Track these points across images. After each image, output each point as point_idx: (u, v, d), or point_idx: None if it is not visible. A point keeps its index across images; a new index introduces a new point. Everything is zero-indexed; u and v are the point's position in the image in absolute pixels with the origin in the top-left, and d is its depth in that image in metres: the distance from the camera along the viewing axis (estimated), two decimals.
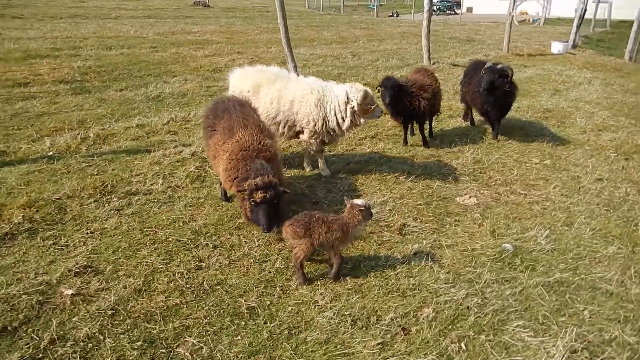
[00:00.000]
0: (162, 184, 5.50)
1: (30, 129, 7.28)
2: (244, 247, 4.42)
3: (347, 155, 6.91)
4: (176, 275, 3.97)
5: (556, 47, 18.69)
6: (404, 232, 4.86)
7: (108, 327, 3.35)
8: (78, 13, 29.38)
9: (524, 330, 3.54)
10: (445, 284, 4.04)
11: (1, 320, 3.32)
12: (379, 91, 6.78)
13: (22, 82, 10.42)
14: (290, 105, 5.57)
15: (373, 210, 4.84)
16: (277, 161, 4.45)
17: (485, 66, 7.12)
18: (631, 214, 5.36)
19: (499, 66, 7.04)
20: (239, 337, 3.38)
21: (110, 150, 6.54)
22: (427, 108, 6.78)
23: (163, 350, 3.22)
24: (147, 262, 4.11)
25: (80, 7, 33.75)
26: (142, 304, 3.61)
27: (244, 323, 3.52)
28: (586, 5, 20.05)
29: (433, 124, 7.99)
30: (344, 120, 5.46)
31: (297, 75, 6.01)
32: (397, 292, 3.93)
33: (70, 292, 3.63)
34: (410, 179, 6.03)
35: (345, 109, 5.41)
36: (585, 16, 20.91)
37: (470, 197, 5.74)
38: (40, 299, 3.56)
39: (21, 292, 3.59)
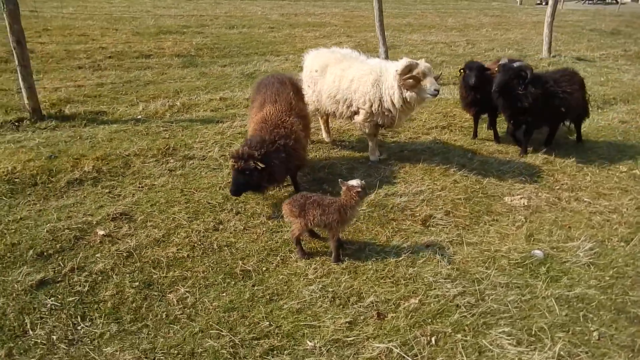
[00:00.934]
0: (218, 152, 5.99)
1: (134, 95, 8.32)
2: (263, 216, 4.69)
3: (407, 143, 6.79)
4: (194, 232, 4.39)
5: None
6: (428, 223, 4.74)
7: (119, 266, 3.88)
8: None
9: (507, 338, 3.32)
10: (444, 279, 3.91)
11: (42, 246, 4.02)
12: (461, 74, 6.52)
13: (146, 54, 11.81)
14: (349, 84, 5.65)
15: (402, 200, 4.84)
16: (294, 138, 4.60)
17: (500, 62, 6.15)
18: None
19: (516, 64, 5.97)
20: (224, 294, 3.68)
21: (188, 118, 7.23)
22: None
23: (156, 293, 3.65)
24: (175, 217, 4.59)
25: None
26: (155, 252, 4.09)
27: (234, 282, 3.81)
28: None
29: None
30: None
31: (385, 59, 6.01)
32: (390, 278, 3.90)
33: (102, 233, 4.24)
34: (460, 172, 5.77)
35: (394, 83, 5.30)
36: None
37: (522, 197, 5.34)
38: (78, 235, 4.21)
39: (66, 227, 4.27)
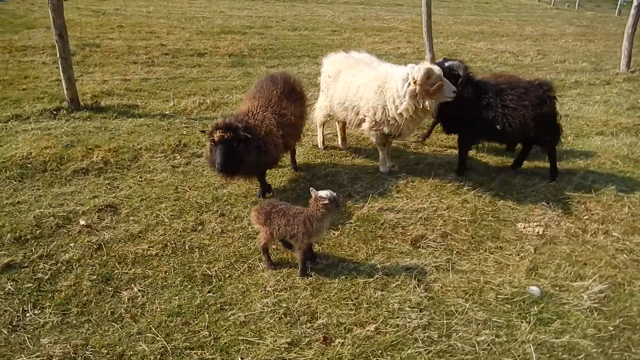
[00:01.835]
0: None
1: (172, 91, 8.57)
2: (245, 221, 4.56)
3: (428, 155, 6.38)
4: (171, 231, 4.36)
5: None
6: (418, 244, 4.37)
7: (86, 258, 3.93)
8: None
9: None
10: (411, 307, 3.56)
11: (23, 231, 4.17)
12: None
13: (201, 52, 12.17)
14: (356, 91, 5.41)
15: (397, 216, 4.52)
16: (264, 131, 4.54)
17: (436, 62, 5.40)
18: None
19: (447, 63, 5.21)
20: (176, 297, 3.60)
21: (213, 116, 7.30)
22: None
23: (110, 289, 3.64)
24: (159, 214, 4.60)
25: None
26: (126, 247, 4.10)
27: (190, 287, 3.72)
28: None
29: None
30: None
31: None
32: (353, 300, 3.62)
33: (83, 223, 4.33)
34: (474, 192, 5.30)
35: (405, 92, 4.94)
36: None
37: (538, 225, 4.80)
38: (61, 223, 4.33)
39: (52, 214, 4.41)
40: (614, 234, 4.70)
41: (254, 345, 3.19)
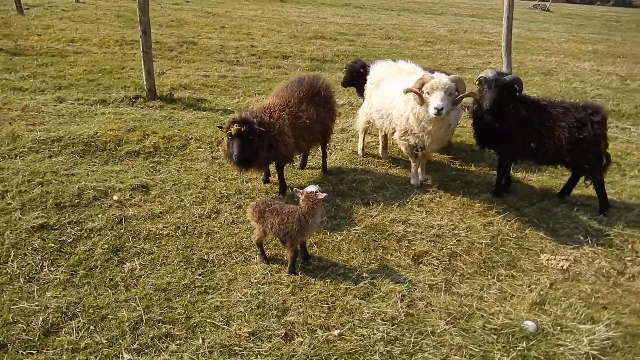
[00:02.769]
0: None
1: (242, 89, 9.09)
2: None
3: (470, 173, 6.10)
4: (188, 215, 4.69)
5: None
6: (420, 260, 4.25)
7: (106, 229, 4.38)
8: (408, 7, 32.16)
9: None
10: (384, 320, 3.50)
11: (64, 198, 4.74)
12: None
13: (286, 55, 12.70)
14: (392, 100, 5.39)
15: (408, 229, 4.49)
16: (277, 130, 4.73)
17: (487, 76, 4.91)
18: None
19: (509, 77, 4.85)
20: (168, 275, 3.89)
21: None
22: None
23: (117, 259, 4.04)
24: (183, 199, 4.96)
25: (416, 2, 36.97)
26: (143, 224, 4.49)
27: (184, 267, 3.99)
28: None
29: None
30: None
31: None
32: (329, 304, 3.65)
33: (115, 198, 4.82)
34: (504, 215, 5.00)
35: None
36: None
37: (565, 259, 4.42)
38: (97, 195, 4.86)
39: (94, 187, 4.96)
40: None
41: (219, 329, 3.35)
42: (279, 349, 3.21)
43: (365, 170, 5.91)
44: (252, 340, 3.27)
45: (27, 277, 3.75)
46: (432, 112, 4.58)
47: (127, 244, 4.22)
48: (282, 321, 3.45)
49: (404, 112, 5.03)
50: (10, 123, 6.45)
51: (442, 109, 4.53)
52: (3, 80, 8.45)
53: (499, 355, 3.30)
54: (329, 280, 3.89)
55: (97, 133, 6.16)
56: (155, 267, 3.98)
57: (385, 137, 6.22)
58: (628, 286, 4.10)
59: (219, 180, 5.42)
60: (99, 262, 3.97)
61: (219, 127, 4.73)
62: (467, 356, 3.26)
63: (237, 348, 3.20)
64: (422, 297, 3.79)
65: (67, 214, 4.52)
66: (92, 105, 7.53)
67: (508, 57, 9.06)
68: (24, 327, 3.26)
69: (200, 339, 3.26)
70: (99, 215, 4.55)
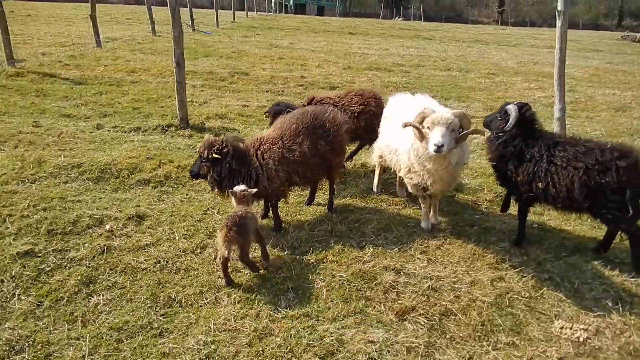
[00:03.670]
0: None
1: None
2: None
3: (492, 217, 5.47)
4: (174, 249, 4.55)
5: None
6: (405, 317, 3.77)
7: (87, 259, 4.32)
8: (481, 39, 31.41)
9: None
10: None
11: (59, 225, 4.78)
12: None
13: (335, 85, 12.61)
14: (400, 134, 5.00)
15: (400, 279, 4.12)
16: (253, 162, 4.66)
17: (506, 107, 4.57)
18: None
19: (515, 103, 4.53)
20: (130, 313, 3.72)
21: None
22: None
23: (86, 291, 3.94)
24: (174, 231, 4.84)
25: (490, 34, 36.05)
26: (125, 256, 4.40)
27: (148, 306, 3.80)
28: None
29: None
30: None
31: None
32: (245, 337, 3.28)
33: (108, 227, 4.80)
34: (520, 269, 4.38)
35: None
36: None
37: (584, 329, 3.73)
38: (91, 224, 4.86)
39: (91, 215, 4.98)
40: None
41: (166, 335, 3.15)
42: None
43: (374, 209, 5.50)
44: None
45: None
46: (431, 148, 4.15)
47: (101, 276, 4.13)
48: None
49: (407, 148, 4.61)
50: (43, 148, 6.79)
51: (442, 145, 4.08)
52: (57, 107, 9.03)
53: None
54: (293, 333, 3.53)
55: (115, 160, 6.28)
56: (121, 303, 3.83)
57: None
58: None
59: (217, 213, 5.27)
60: (67, 293, 3.90)
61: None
62: None
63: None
64: (380, 355, 3.31)
65: (55, 242, 4.55)
66: (125, 133, 7.79)
67: (561, 91, 8.24)
68: None
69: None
70: (85, 244, 4.53)
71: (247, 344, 3.42)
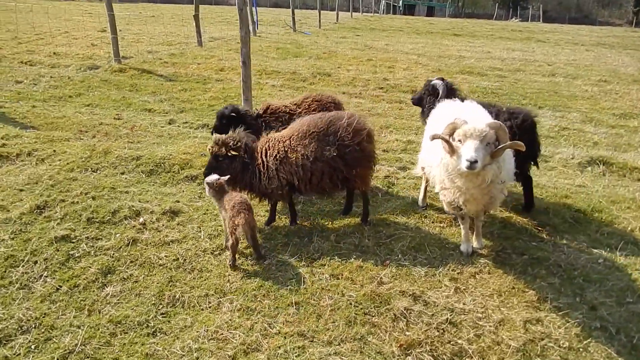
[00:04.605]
0: None
1: None
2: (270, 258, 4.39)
3: (560, 248, 4.75)
4: (196, 248, 4.56)
5: None
6: (410, 351, 3.38)
7: (113, 249, 4.48)
8: (605, 42, 28.52)
9: None
10: None
11: (100, 214, 5.02)
12: None
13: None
14: (431, 146, 4.56)
15: (415, 307, 3.79)
16: (258, 158, 4.68)
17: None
18: None
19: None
20: (133, 308, 3.77)
21: None
22: None
23: (103, 281, 4.08)
24: (201, 229, 4.86)
25: (617, 36, 32.53)
26: (148, 251, 4.50)
27: (152, 303, 3.83)
28: None
29: None
30: None
31: None
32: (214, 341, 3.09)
33: (141, 220, 4.95)
34: (562, 312, 3.73)
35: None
36: None
37: None
38: (129, 215, 5.05)
39: (130, 207, 5.16)
40: None
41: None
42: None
43: (413, 225, 5.06)
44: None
45: (22, 284, 4.01)
46: (463, 164, 3.67)
47: (120, 267, 4.25)
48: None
49: (435, 162, 4.16)
50: (115, 140, 7.26)
51: (475, 161, 3.59)
52: (142, 102, 9.66)
53: None
54: (280, 352, 3.31)
55: (171, 155, 6.51)
56: (129, 296, 3.90)
57: None
58: None
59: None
60: (85, 281, 4.06)
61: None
62: None
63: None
64: None
65: (91, 230, 4.78)
66: (193, 129, 8.08)
67: None
68: None
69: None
70: (116, 235, 4.71)
71: (230, 356, 3.28)
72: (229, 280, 4.10)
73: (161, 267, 4.27)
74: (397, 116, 9.55)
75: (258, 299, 3.86)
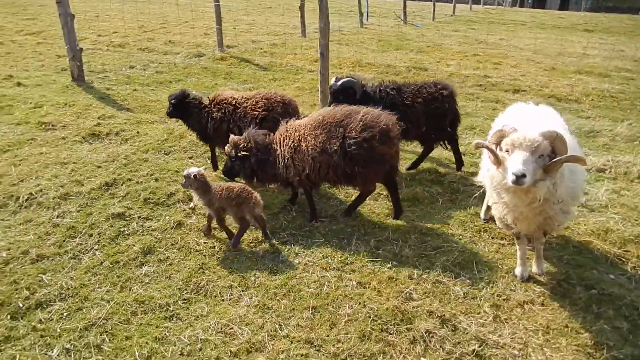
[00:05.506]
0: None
1: None
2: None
3: (633, 282, 4.01)
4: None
5: None
6: None
7: (158, 230, 4.66)
8: None
9: None
10: None
11: (157, 195, 5.25)
12: None
13: (521, 89, 11.05)
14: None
15: (440, 331, 3.47)
16: (273, 148, 4.76)
17: None
18: None
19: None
20: (159, 290, 3.89)
21: None
22: None
23: (141, 260, 4.26)
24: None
25: None
26: (190, 235, 4.61)
27: (178, 287, 3.91)
28: None
29: None
30: None
31: None
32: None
33: (192, 205, 5.09)
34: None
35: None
36: None
37: None
38: (183, 199, 5.22)
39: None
40: None
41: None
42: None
43: (467, 239, 4.58)
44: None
45: (74, 255, 4.33)
46: (509, 178, 3.19)
47: (160, 249, 4.41)
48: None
49: (486, 171, 3.69)
50: None
51: (522, 175, 3.10)
52: (228, 87, 10.02)
53: None
54: (282, 357, 3.18)
55: None
56: (160, 278, 4.03)
57: None
58: None
59: (293, 211, 5.10)
60: (127, 258, 4.27)
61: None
62: None
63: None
64: None
65: (145, 210, 5.02)
66: None
67: None
68: (28, 295, 3.76)
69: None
70: (166, 217, 4.89)
71: (232, 352, 3.22)
72: (255, 274, 4.04)
73: (196, 253, 4.35)
74: (487, 117, 8.78)
75: (277, 298, 3.76)
